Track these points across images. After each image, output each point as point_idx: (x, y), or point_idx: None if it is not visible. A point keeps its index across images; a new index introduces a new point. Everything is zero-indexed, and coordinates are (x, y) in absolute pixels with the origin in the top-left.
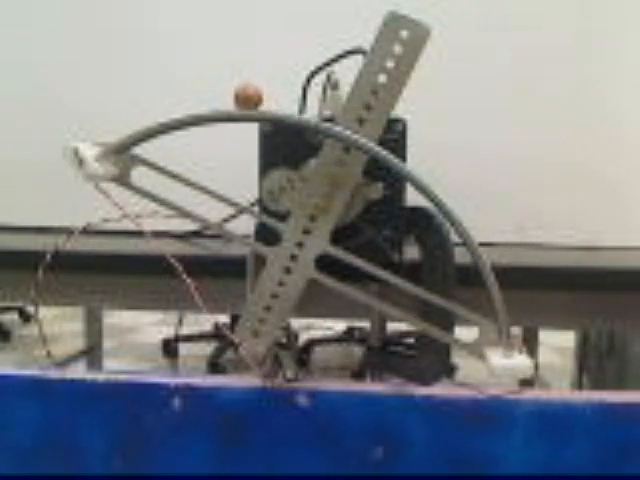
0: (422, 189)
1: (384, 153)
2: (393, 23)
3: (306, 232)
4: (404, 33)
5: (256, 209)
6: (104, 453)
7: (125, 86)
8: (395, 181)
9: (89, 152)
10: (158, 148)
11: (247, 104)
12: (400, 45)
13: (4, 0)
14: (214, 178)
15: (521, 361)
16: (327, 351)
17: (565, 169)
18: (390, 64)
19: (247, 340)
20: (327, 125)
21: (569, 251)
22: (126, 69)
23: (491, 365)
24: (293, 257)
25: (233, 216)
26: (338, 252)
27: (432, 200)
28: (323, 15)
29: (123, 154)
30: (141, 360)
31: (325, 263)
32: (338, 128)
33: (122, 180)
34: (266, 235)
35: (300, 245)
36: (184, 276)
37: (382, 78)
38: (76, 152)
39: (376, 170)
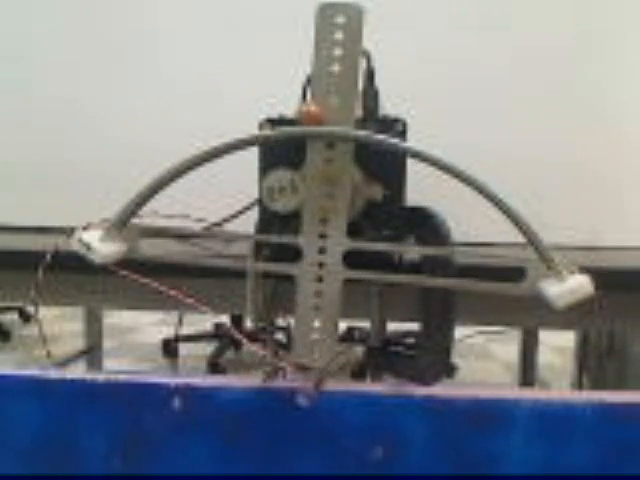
0: (425, 158)
1: (395, 140)
2: (326, 12)
3: (323, 236)
4: (340, 19)
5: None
6: (104, 453)
7: (125, 86)
8: (395, 180)
9: (93, 236)
10: (158, 150)
11: (310, 121)
12: (340, 31)
13: (4, 0)
14: (214, 178)
15: (577, 281)
16: None
17: (565, 169)
18: (338, 52)
19: (308, 358)
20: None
21: (569, 251)
22: (126, 69)
23: (549, 296)
24: (321, 265)
25: (233, 216)
26: (360, 244)
27: (429, 161)
28: None
29: (126, 226)
30: (141, 360)
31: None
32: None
33: (133, 253)
34: (284, 253)
35: (322, 251)
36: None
37: (335, 67)
38: (82, 240)
39: (376, 170)
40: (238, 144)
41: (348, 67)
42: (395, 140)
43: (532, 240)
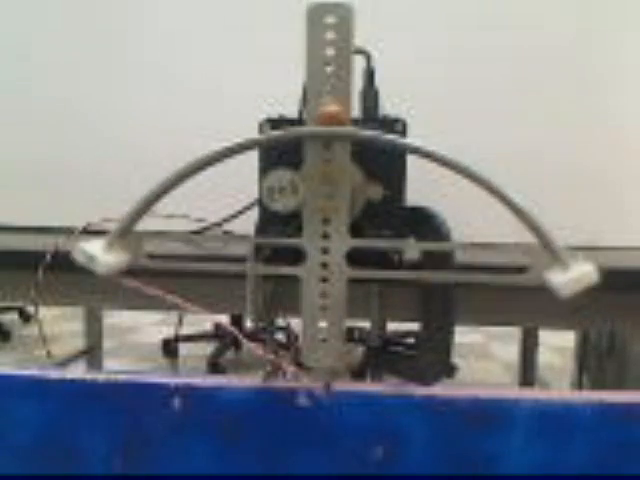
0: (431, 157)
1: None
2: (316, 13)
3: (326, 236)
4: (330, 18)
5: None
6: (104, 453)
7: (125, 86)
8: (395, 180)
9: (96, 247)
10: (158, 149)
11: (331, 122)
12: (331, 31)
13: (4, 0)
14: (214, 178)
15: (582, 269)
16: None
17: (565, 169)
18: (330, 52)
19: (318, 359)
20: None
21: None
22: (126, 69)
23: (555, 285)
24: (324, 265)
25: (233, 216)
26: (363, 242)
27: (437, 160)
28: None
29: (129, 235)
30: (141, 360)
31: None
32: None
33: (136, 263)
34: (285, 253)
35: (325, 251)
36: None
37: (328, 68)
38: (84, 251)
39: (376, 170)
40: (243, 146)
41: (341, 66)
42: (395, 137)
43: (535, 230)
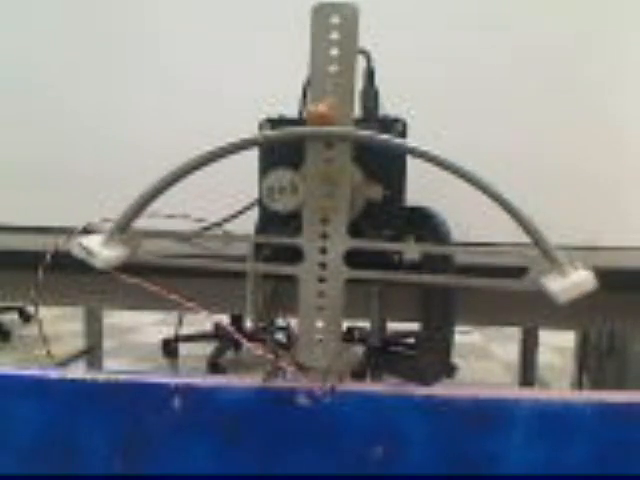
0: (423, 156)
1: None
2: (321, 12)
3: (324, 236)
4: (335, 18)
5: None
6: (104, 453)
7: (125, 86)
8: (395, 180)
9: (94, 242)
10: (158, 150)
11: (318, 122)
12: (335, 31)
13: (4, 1)
14: (215, 178)
15: (580, 276)
16: None
17: (565, 169)
18: (334, 52)
19: (314, 359)
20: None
21: (569, 251)
22: (126, 70)
23: (552, 291)
24: (322, 265)
25: (233, 216)
26: (362, 243)
27: (427, 158)
28: None
29: (127, 230)
30: (141, 360)
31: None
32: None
33: (134, 258)
34: (285, 252)
35: (324, 251)
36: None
37: (332, 68)
38: (83, 246)
39: (376, 170)
40: (241, 144)
41: (345, 67)
42: (400, 140)
43: (534, 236)
